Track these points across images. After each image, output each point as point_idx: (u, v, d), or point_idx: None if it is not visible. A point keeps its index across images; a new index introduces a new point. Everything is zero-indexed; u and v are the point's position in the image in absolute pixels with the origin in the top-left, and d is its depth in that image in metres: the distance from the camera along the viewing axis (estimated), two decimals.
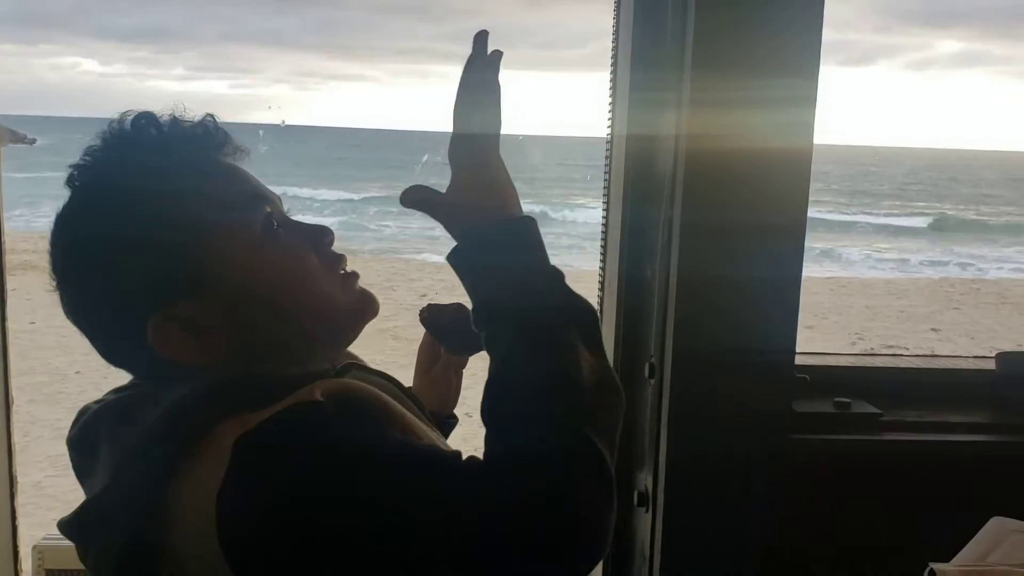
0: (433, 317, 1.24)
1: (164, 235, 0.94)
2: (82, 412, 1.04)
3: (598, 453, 0.85)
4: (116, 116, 1.00)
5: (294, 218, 1.05)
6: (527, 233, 0.97)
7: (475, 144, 0.99)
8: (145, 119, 0.99)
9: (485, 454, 0.87)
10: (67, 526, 0.96)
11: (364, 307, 1.05)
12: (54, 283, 0.99)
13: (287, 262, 0.98)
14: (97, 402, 1.04)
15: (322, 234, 1.03)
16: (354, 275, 1.05)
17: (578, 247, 17.27)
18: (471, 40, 1.03)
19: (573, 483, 0.83)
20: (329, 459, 0.83)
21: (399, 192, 1.03)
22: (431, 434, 1.01)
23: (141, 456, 0.89)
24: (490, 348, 0.94)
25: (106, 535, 0.90)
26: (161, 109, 1.01)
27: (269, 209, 1.00)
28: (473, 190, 0.98)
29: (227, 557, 0.82)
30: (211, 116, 1.01)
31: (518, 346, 0.91)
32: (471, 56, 1.01)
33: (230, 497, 0.82)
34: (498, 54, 1.01)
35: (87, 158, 0.98)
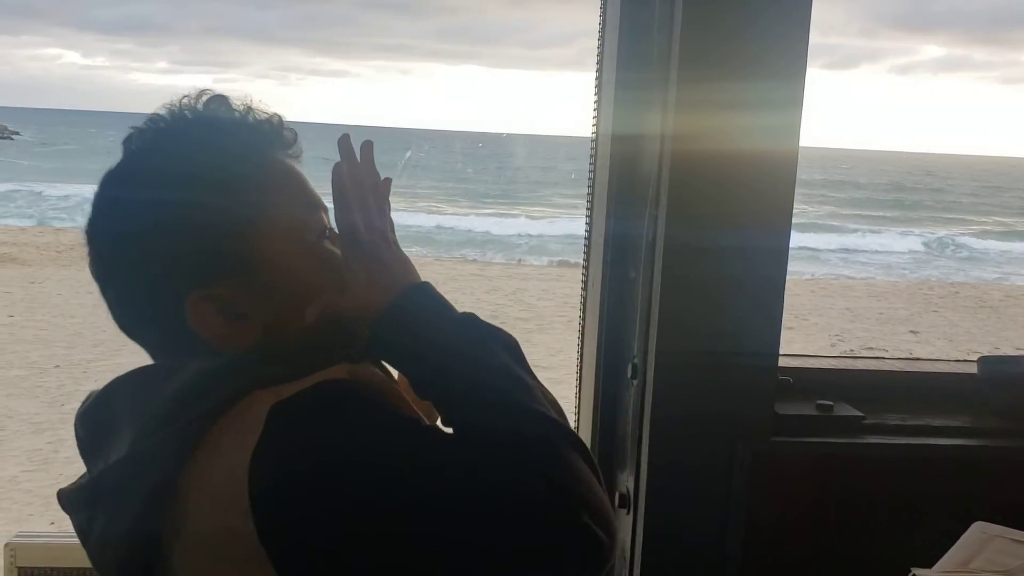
0: None
1: (222, 213, 0.95)
2: (93, 393, 1.03)
3: (571, 433, 0.91)
4: (191, 92, 1.00)
5: None
6: (424, 301, 0.97)
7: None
8: (218, 101, 1.00)
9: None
10: (76, 492, 0.95)
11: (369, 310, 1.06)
12: (88, 239, 0.98)
13: (332, 268, 0.99)
14: (108, 383, 1.02)
15: None
16: None
17: (560, 248, 17.29)
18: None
19: (562, 451, 0.87)
20: (361, 429, 0.86)
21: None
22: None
23: (165, 420, 0.89)
24: (442, 406, 0.95)
25: (121, 502, 0.89)
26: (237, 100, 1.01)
27: (324, 218, 1.02)
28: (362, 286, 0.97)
29: (256, 523, 0.82)
30: (279, 116, 1.02)
31: (470, 395, 0.92)
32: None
33: (264, 460, 0.83)
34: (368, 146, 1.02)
35: (150, 124, 0.98)
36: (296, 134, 1.03)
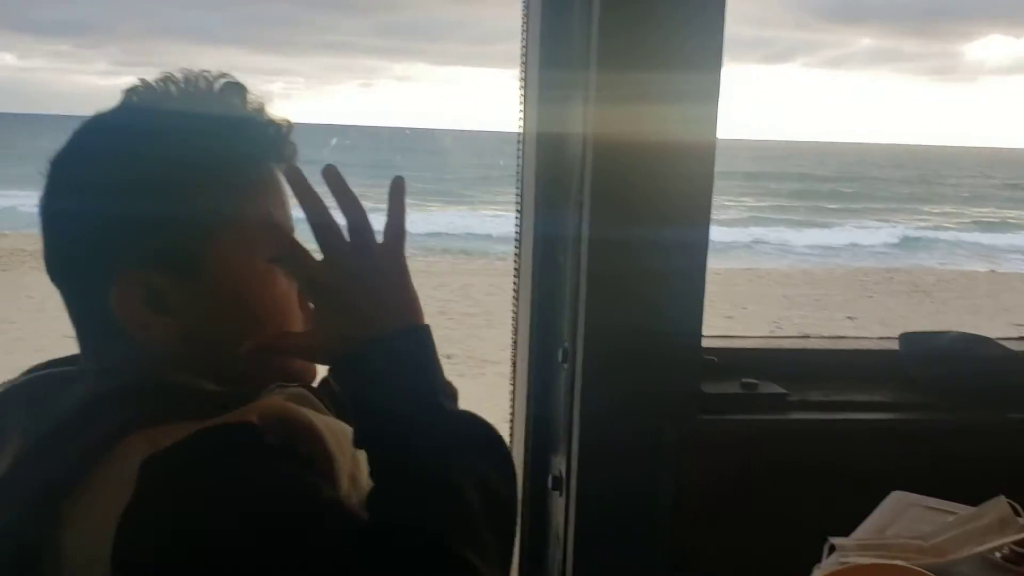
0: None
1: (192, 204, 0.90)
2: None
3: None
4: (214, 71, 0.94)
5: None
6: (417, 347, 0.89)
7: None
8: (234, 91, 0.94)
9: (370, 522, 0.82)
10: None
11: (304, 376, 1.00)
12: (51, 167, 0.92)
13: (273, 300, 0.94)
14: (9, 382, 0.97)
15: None
16: None
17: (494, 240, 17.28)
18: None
19: None
20: (238, 500, 0.78)
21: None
22: (346, 462, 0.92)
23: (43, 455, 0.84)
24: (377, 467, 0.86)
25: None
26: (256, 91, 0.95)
27: (286, 241, 0.94)
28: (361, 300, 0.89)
29: None
30: (288, 123, 0.97)
31: (411, 486, 0.84)
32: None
33: (129, 525, 0.77)
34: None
35: (161, 84, 0.93)
36: (296, 149, 0.97)
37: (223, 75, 0.95)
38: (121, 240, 0.90)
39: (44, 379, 0.94)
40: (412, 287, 0.93)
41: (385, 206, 0.93)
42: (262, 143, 0.95)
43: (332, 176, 0.90)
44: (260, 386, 0.96)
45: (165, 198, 0.90)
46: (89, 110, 0.95)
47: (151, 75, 0.94)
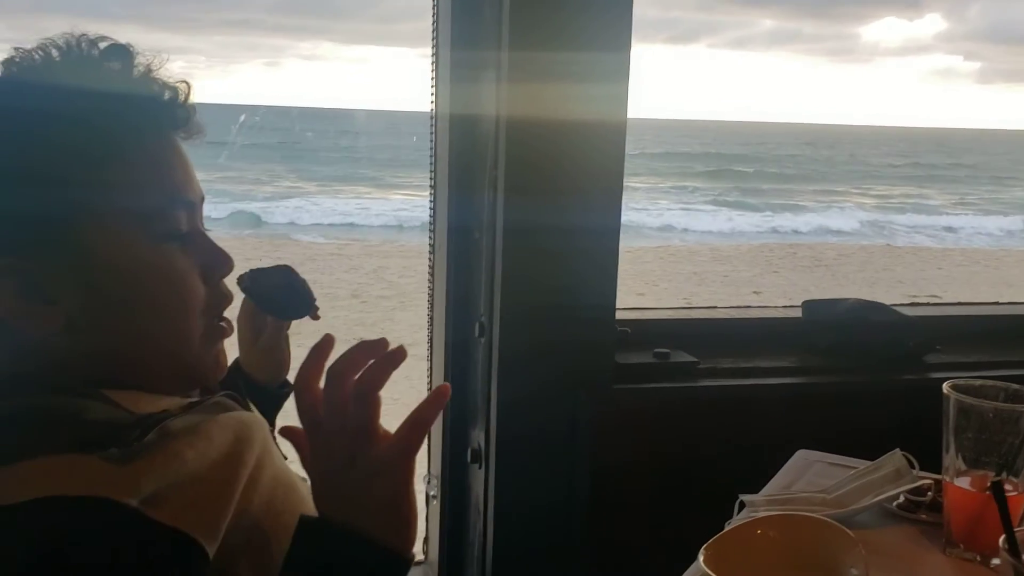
0: (257, 283, 1.14)
1: (62, 182, 0.82)
2: None
3: None
4: (89, 35, 0.86)
5: None
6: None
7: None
8: (118, 54, 0.87)
9: None
10: None
11: (208, 373, 0.94)
12: None
13: (168, 280, 0.87)
14: None
15: (220, 264, 0.92)
16: (225, 330, 0.95)
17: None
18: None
19: None
20: None
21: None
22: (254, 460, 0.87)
23: None
24: None
25: None
26: (146, 51, 0.87)
27: (182, 215, 0.89)
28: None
29: None
30: (186, 85, 0.89)
31: None
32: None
33: None
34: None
35: (40, 49, 0.85)
36: (192, 112, 0.89)
37: (105, 38, 0.87)
38: None
39: None
40: (408, 505, 0.82)
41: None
42: (151, 111, 0.87)
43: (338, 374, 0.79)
44: (167, 393, 0.90)
45: (38, 179, 0.82)
46: None
47: (31, 43, 0.86)
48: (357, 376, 0.78)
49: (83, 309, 0.84)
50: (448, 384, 0.84)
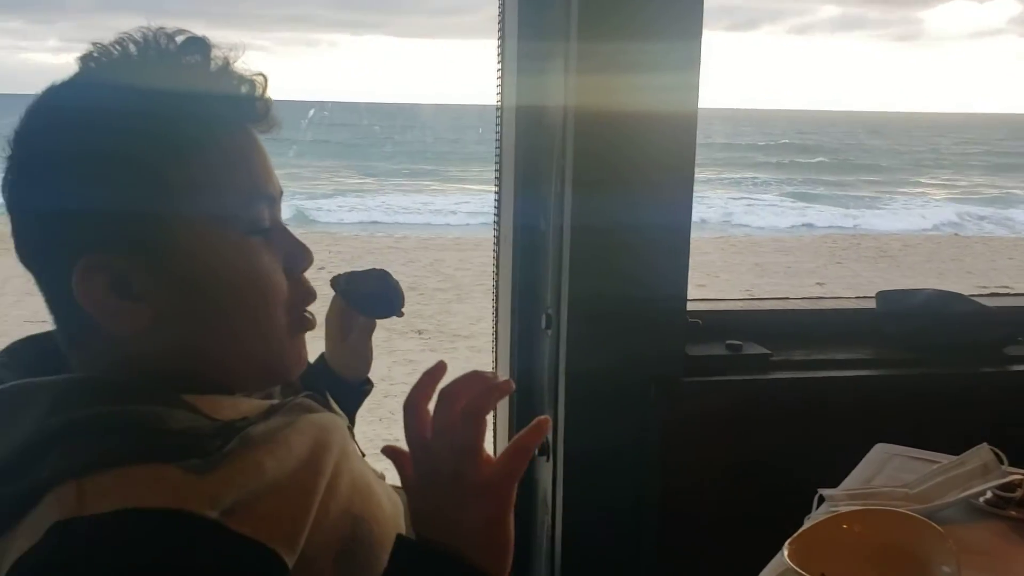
0: (353, 285, 1.20)
1: (150, 180, 0.82)
2: None
3: None
4: (167, 29, 0.85)
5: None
6: None
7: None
8: (196, 47, 0.86)
9: None
10: None
11: (292, 367, 0.93)
12: (13, 142, 0.84)
13: (254, 275, 0.87)
14: None
15: (302, 257, 0.92)
16: (309, 322, 0.94)
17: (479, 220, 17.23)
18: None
19: None
20: None
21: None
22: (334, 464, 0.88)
23: None
24: None
25: None
26: (223, 45, 0.86)
27: (264, 209, 0.89)
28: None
29: None
30: (263, 78, 0.88)
31: None
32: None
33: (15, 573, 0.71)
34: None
35: (118, 47, 0.84)
36: (270, 105, 0.89)
37: (182, 31, 0.86)
38: (80, 222, 0.82)
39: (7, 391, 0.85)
40: (506, 531, 0.83)
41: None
42: (231, 103, 0.86)
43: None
44: (248, 391, 0.90)
45: (125, 174, 0.82)
46: (42, 88, 0.87)
47: (108, 38, 0.85)
48: (466, 400, 0.80)
49: (171, 305, 0.84)
50: (548, 418, 0.85)
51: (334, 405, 1.01)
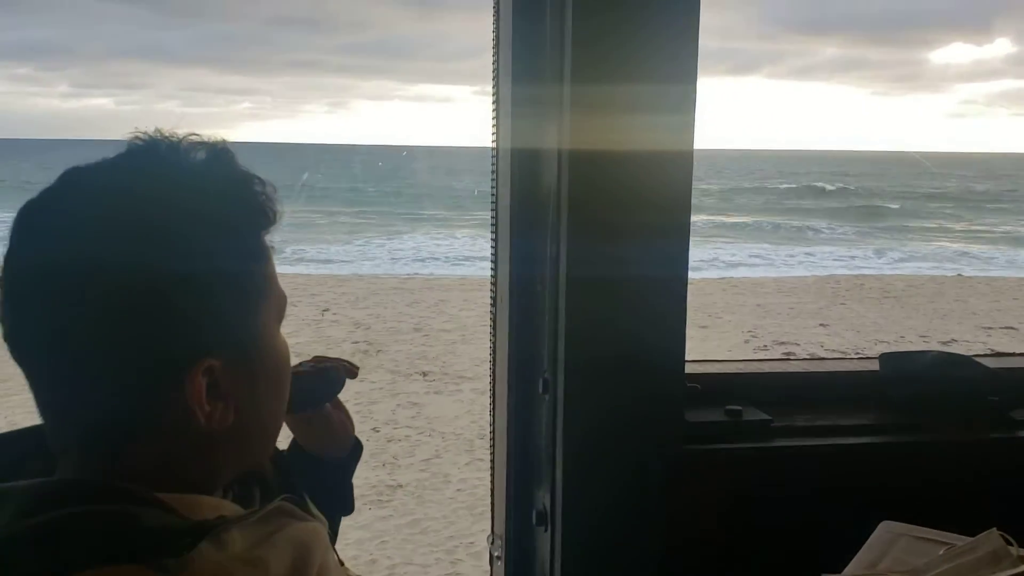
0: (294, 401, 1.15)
1: (239, 273, 0.87)
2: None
3: None
4: (222, 143, 0.89)
5: None
6: None
7: None
8: (229, 158, 0.89)
9: None
10: None
11: (262, 460, 1.00)
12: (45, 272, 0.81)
13: (288, 361, 0.95)
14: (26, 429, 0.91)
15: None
16: None
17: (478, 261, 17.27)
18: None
19: None
20: None
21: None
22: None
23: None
24: None
25: None
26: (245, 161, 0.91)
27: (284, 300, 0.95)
28: None
29: None
30: (274, 189, 0.92)
31: None
32: None
33: None
34: None
35: (168, 159, 0.86)
36: (278, 213, 0.92)
37: (215, 141, 0.89)
38: (197, 326, 0.84)
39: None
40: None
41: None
42: (266, 209, 0.90)
43: None
44: (224, 485, 0.91)
45: (219, 272, 0.85)
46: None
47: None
48: None
49: (249, 401, 0.88)
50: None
51: (313, 508, 0.99)
